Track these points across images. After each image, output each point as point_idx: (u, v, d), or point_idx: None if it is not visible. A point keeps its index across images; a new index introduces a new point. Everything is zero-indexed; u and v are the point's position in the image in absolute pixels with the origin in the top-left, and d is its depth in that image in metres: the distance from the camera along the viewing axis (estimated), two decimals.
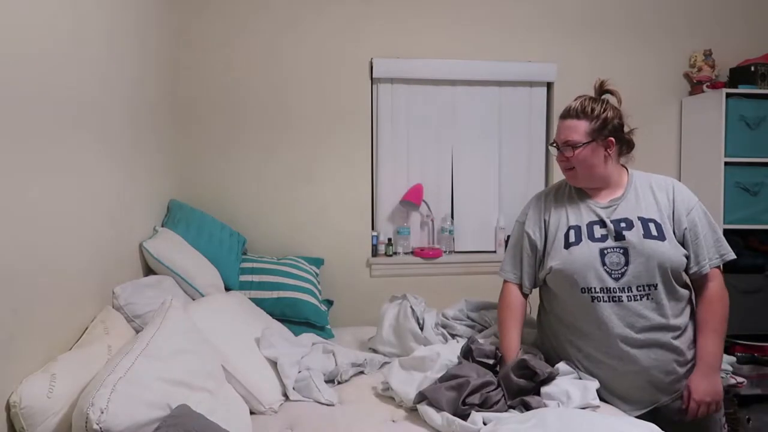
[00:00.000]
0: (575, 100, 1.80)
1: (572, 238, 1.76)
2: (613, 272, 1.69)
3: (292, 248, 3.02)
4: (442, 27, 3.14)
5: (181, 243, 2.32)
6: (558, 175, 3.27)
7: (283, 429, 1.70)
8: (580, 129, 1.74)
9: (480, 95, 3.24)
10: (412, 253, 3.21)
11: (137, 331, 1.73)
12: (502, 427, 1.45)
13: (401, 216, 3.22)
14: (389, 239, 3.18)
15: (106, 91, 1.89)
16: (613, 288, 1.69)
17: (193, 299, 2.13)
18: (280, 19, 3.00)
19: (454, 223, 3.25)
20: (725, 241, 1.78)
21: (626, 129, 1.82)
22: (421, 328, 2.20)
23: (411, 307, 2.26)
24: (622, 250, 1.70)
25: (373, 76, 3.09)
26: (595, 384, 1.69)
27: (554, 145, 1.83)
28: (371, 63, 3.07)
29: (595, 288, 1.70)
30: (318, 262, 2.99)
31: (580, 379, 1.74)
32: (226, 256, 2.49)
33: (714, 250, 1.76)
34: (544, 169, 3.35)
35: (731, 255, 1.77)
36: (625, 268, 1.68)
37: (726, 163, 3.05)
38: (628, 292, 1.68)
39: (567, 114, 1.79)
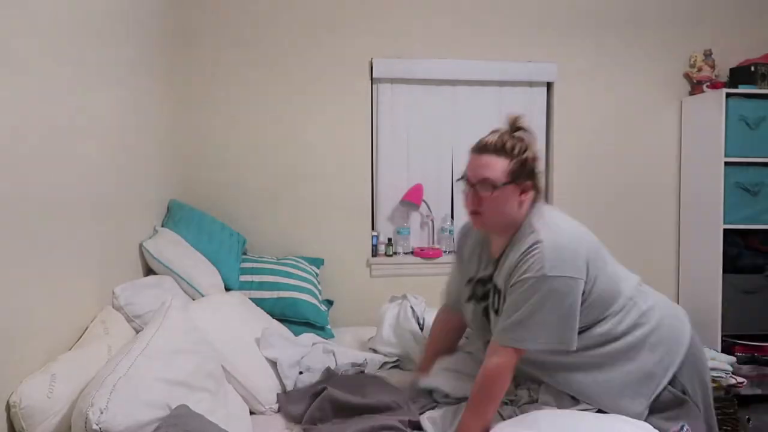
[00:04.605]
0: (492, 133, 1.62)
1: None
2: None
3: (292, 248, 3.02)
4: (442, 27, 3.14)
5: (181, 243, 2.32)
6: (558, 178, 3.27)
7: (283, 429, 1.70)
8: (498, 167, 1.56)
9: (480, 95, 3.24)
10: (412, 253, 3.21)
11: (137, 331, 1.73)
12: (493, 429, 1.44)
13: (401, 216, 3.22)
14: (389, 239, 3.18)
15: (103, 87, 1.89)
16: None
17: (193, 299, 2.13)
18: (280, 20, 3.00)
19: (454, 223, 3.25)
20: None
21: (539, 173, 1.64)
22: (421, 328, 2.20)
23: (411, 307, 2.26)
24: None
25: (373, 76, 3.09)
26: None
27: (464, 180, 1.61)
28: (371, 63, 3.07)
29: None
30: (318, 262, 2.99)
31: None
32: (226, 256, 2.49)
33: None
34: (544, 169, 3.35)
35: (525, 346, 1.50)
36: None
37: (726, 163, 3.05)
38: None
39: (484, 148, 1.59)
